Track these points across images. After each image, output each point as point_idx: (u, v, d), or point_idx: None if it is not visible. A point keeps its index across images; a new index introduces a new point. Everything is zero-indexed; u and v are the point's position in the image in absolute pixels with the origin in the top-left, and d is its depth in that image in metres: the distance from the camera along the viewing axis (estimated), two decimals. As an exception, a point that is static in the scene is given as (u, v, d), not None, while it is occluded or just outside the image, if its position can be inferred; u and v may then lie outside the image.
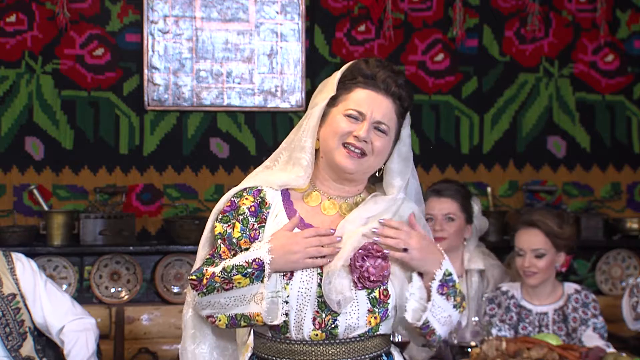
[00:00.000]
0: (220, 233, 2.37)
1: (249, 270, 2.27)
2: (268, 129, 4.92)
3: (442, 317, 2.34)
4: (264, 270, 2.27)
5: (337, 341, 2.31)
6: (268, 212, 2.37)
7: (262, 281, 2.27)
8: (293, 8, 4.89)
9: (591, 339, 3.60)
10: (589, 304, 3.72)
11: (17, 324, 3.43)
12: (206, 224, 2.45)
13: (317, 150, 2.40)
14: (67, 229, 4.61)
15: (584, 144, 5.16)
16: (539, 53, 5.11)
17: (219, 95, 4.86)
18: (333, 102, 2.38)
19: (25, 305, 3.46)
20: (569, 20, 5.13)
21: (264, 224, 2.36)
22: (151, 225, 4.86)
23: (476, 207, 4.01)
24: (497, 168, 5.10)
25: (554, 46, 5.12)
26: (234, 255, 2.33)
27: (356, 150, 2.33)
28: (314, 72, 4.91)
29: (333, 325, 2.29)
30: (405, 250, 2.32)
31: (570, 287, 3.79)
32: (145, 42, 4.78)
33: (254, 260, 2.27)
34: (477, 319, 3.48)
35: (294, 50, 4.90)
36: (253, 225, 2.36)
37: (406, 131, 2.44)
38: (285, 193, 2.40)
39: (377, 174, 2.43)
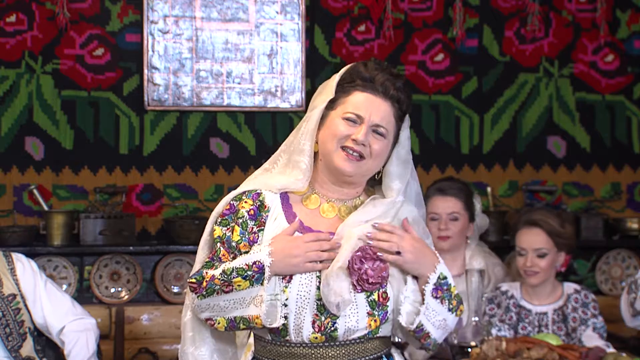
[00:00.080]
0: (219, 236, 2.37)
1: (249, 272, 2.27)
2: (268, 129, 4.92)
3: (436, 320, 2.34)
4: (264, 273, 2.27)
5: (336, 343, 2.32)
6: (267, 216, 2.37)
7: (262, 284, 2.27)
8: (293, 8, 4.89)
9: (591, 338, 3.60)
10: (589, 303, 3.72)
11: (17, 325, 3.43)
12: (206, 225, 2.46)
13: (316, 153, 2.40)
14: (67, 229, 4.61)
15: (584, 144, 5.16)
16: (539, 53, 5.11)
17: (219, 95, 4.86)
18: (332, 105, 2.38)
19: (26, 305, 3.46)
20: (569, 20, 5.13)
21: (263, 227, 2.36)
22: (151, 225, 4.86)
23: (477, 205, 4.01)
24: (497, 168, 5.10)
25: (554, 46, 5.12)
26: (234, 258, 2.33)
27: (354, 154, 2.33)
28: (314, 72, 4.91)
29: (332, 328, 2.29)
30: (398, 253, 2.31)
31: (569, 287, 3.79)
32: (145, 42, 4.78)
33: (254, 262, 2.27)
34: (477, 318, 3.48)
35: (294, 50, 4.90)
36: (252, 228, 2.36)
37: (405, 134, 2.44)
38: (285, 196, 2.41)
39: (376, 177, 2.43)
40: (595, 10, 5.10)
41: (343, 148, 2.34)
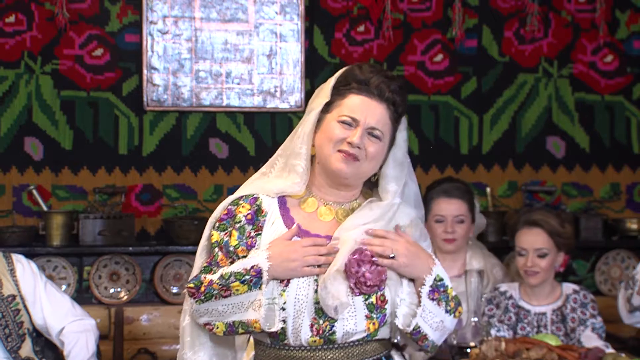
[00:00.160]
0: (217, 241, 2.38)
1: (247, 277, 2.27)
2: (267, 129, 4.92)
3: (434, 322, 2.34)
4: (261, 278, 2.27)
5: (335, 346, 2.32)
6: (264, 220, 2.38)
7: (260, 288, 2.27)
8: (292, 8, 4.89)
9: (590, 339, 3.60)
10: (588, 304, 3.72)
11: (16, 325, 3.43)
12: (205, 225, 2.46)
13: (313, 156, 2.40)
14: (67, 230, 4.61)
15: (583, 145, 5.16)
16: (538, 53, 5.11)
17: (218, 95, 4.86)
18: (328, 108, 2.38)
19: (25, 306, 3.46)
20: (568, 20, 5.13)
21: (260, 232, 2.37)
22: (150, 226, 4.86)
23: (476, 204, 4.02)
24: (497, 168, 5.10)
25: (553, 46, 5.12)
26: (232, 263, 2.33)
27: (350, 156, 2.33)
28: (313, 72, 4.91)
29: (331, 331, 2.29)
30: (392, 257, 2.31)
31: (568, 287, 3.79)
32: (144, 42, 4.78)
33: (252, 267, 2.28)
34: (476, 319, 3.48)
35: (293, 51, 4.90)
36: (250, 233, 2.37)
37: (402, 136, 2.43)
38: (282, 200, 2.41)
39: (372, 179, 2.43)
40: (594, 11, 5.10)
41: (339, 151, 2.34)
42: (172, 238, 4.72)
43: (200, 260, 2.43)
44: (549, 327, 3.70)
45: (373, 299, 2.30)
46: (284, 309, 2.29)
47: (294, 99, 4.89)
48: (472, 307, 3.49)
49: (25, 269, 3.50)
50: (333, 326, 2.29)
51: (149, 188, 4.85)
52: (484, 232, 4.81)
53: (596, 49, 5.14)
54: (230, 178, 4.87)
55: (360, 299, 2.29)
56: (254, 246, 2.35)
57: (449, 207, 3.87)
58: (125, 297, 4.73)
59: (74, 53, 4.77)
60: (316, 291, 2.28)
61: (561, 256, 3.74)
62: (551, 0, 5.09)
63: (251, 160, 4.87)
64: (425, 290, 2.33)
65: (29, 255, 3.83)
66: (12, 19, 4.71)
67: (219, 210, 2.43)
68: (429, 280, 2.34)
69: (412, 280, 2.35)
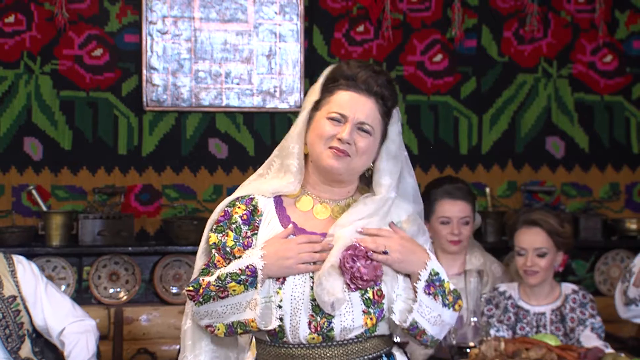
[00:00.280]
0: (214, 243, 2.39)
1: (243, 277, 2.28)
2: (267, 129, 4.92)
3: (431, 317, 2.34)
4: (257, 277, 2.27)
5: (334, 343, 2.32)
6: (260, 220, 2.39)
7: (256, 287, 2.28)
8: (292, 8, 4.89)
9: (589, 339, 3.61)
10: (587, 304, 3.72)
11: (16, 326, 3.43)
12: (204, 226, 2.47)
13: (306, 155, 2.41)
14: (66, 230, 4.61)
15: (582, 145, 5.16)
16: (538, 53, 5.11)
17: (218, 95, 4.86)
18: (317, 106, 2.40)
19: (26, 307, 3.47)
20: (567, 20, 5.13)
21: (256, 232, 2.38)
22: (150, 226, 4.86)
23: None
24: (496, 168, 5.10)
25: (553, 47, 5.12)
26: (229, 264, 2.34)
27: (341, 152, 2.34)
28: (313, 72, 4.90)
29: (328, 328, 2.29)
30: (385, 253, 2.32)
31: (567, 287, 3.79)
32: (143, 42, 4.78)
33: (247, 267, 2.29)
34: (475, 319, 3.48)
35: (292, 51, 4.90)
36: (246, 233, 2.38)
37: (395, 129, 2.43)
38: (278, 199, 2.42)
39: (366, 174, 2.44)
40: (594, 11, 5.10)
41: (330, 148, 2.34)
42: (172, 238, 4.72)
43: (199, 263, 2.45)
44: (548, 327, 3.70)
45: (370, 294, 2.30)
46: (280, 307, 2.29)
47: (294, 99, 4.89)
48: (472, 307, 3.49)
49: (26, 270, 3.51)
50: (331, 322, 2.29)
51: (149, 188, 4.85)
52: (483, 232, 4.83)
53: (595, 49, 5.14)
54: (229, 178, 4.87)
55: (357, 295, 2.29)
56: (251, 246, 2.36)
57: (454, 209, 3.87)
58: (125, 297, 4.73)
59: (73, 53, 4.77)
60: (312, 288, 2.28)
61: (560, 256, 3.74)
62: (550, 0, 5.09)
63: (250, 160, 4.87)
64: (420, 285, 2.33)
65: (29, 256, 3.83)
66: (11, 19, 4.71)
67: (216, 213, 2.44)
68: (424, 275, 2.34)
69: (408, 275, 2.35)
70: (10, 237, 4.57)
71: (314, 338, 2.30)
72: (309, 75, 4.90)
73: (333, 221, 2.38)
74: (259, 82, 4.88)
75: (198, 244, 2.49)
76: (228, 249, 2.36)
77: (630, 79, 5.19)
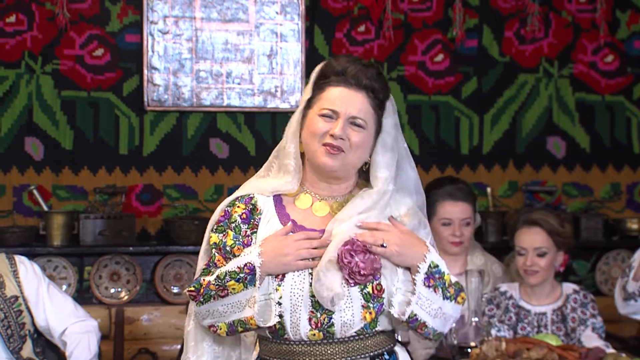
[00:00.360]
0: (215, 243, 2.40)
1: (241, 275, 2.29)
2: (268, 129, 4.92)
3: (431, 309, 2.33)
4: (255, 274, 2.27)
5: (335, 340, 2.32)
6: (260, 218, 2.40)
7: (255, 285, 2.28)
8: (293, 8, 4.89)
9: (590, 339, 3.61)
10: (588, 304, 3.72)
11: (18, 326, 3.43)
12: (205, 226, 2.48)
13: (303, 154, 2.42)
14: (67, 230, 4.61)
15: (583, 145, 5.16)
16: (539, 53, 5.11)
17: (219, 95, 4.86)
18: (310, 104, 2.41)
19: (28, 308, 3.47)
20: (568, 20, 5.13)
21: (256, 230, 2.39)
22: (151, 226, 4.86)
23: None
24: (497, 168, 5.10)
25: (554, 46, 5.12)
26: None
27: (334, 148, 2.34)
28: (314, 72, 4.91)
29: (329, 324, 2.30)
30: (383, 246, 2.31)
31: (568, 287, 3.79)
32: (145, 42, 4.78)
33: (245, 264, 2.29)
34: (476, 319, 3.48)
35: (293, 51, 4.90)
36: (246, 232, 2.39)
37: (389, 122, 2.43)
38: (278, 198, 2.43)
39: (363, 168, 2.44)
40: (595, 11, 5.10)
41: (324, 145, 2.35)
42: (173, 238, 4.72)
43: (201, 263, 2.46)
44: (549, 327, 3.70)
45: (369, 289, 2.30)
46: (280, 304, 2.30)
47: (295, 99, 4.89)
48: (473, 307, 3.49)
49: (28, 270, 3.51)
50: (331, 318, 2.29)
51: (150, 188, 4.85)
52: (484, 232, 4.83)
53: (597, 49, 5.14)
54: (230, 178, 4.87)
55: (356, 290, 2.29)
56: (250, 245, 2.36)
57: (455, 210, 3.87)
58: (126, 297, 4.73)
59: (74, 53, 4.77)
60: (311, 284, 2.29)
61: (561, 256, 3.74)
62: (552, 0, 5.09)
63: (252, 160, 4.87)
64: (419, 277, 2.32)
65: (30, 256, 3.83)
66: (12, 19, 4.71)
67: (216, 213, 2.45)
68: (423, 268, 2.33)
69: (408, 269, 2.35)
70: (12, 237, 4.57)
71: (314, 334, 2.31)
72: (310, 75, 4.89)
73: (332, 218, 2.38)
74: (260, 82, 4.88)
75: (199, 244, 2.50)
76: (228, 248, 2.37)
77: (631, 79, 5.19)
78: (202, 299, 2.33)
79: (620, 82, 5.17)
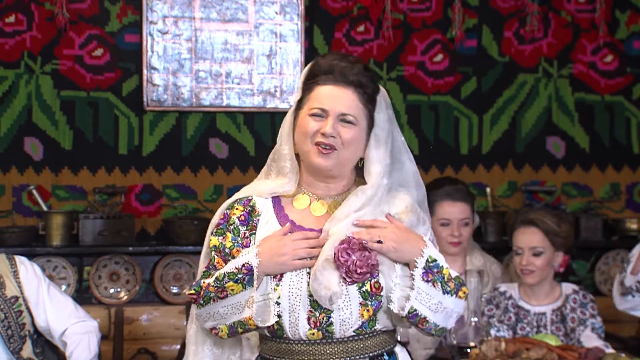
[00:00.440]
0: (215, 245, 2.40)
1: (240, 276, 2.29)
2: (267, 129, 4.92)
3: (431, 304, 2.32)
4: (253, 275, 2.28)
5: (334, 340, 2.32)
6: (258, 220, 2.40)
7: (253, 285, 2.29)
8: (292, 8, 4.89)
9: (589, 339, 3.61)
10: (587, 304, 3.72)
11: (18, 327, 3.43)
12: (204, 226, 2.48)
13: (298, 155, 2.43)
14: (66, 230, 4.62)
15: (583, 145, 5.16)
16: (538, 53, 5.11)
17: (218, 95, 4.86)
18: (300, 105, 2.41)
19: (28, 308, 3.47)
20: (568, 20, 5.13)
21: (254, 231, 2.39)
22: (150, 226, 4.86)
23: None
24: (496, 168, 5.10)
25: (553, 46, 5.12)
26: None
27: (326, 147, 2.34)
28: (313, 72, 4.90)
29: (328, 323, 2.30)
30: (380, 242, 2.31)
31: (568, 287, 3.79)
32: (144, 42, 4.78)
33: (243, 265, 2.30)
34: (476, 319, 3.48)
35: (293, 51, 4.90)
36: (244, 233, 2.39)
37: (382, 116, 2.42)
38: (276, 199, 2.43)
39: (359, 164, 2.43)
40: (594, 11, 5.10)
41: (316, 144, 2.35)
42: (172, 238, 4.72)
43: (202, 267, 2.46)
44: (548, 327, 3.70)
45: (367, 287, 2.29)
46: (278, 304, 2.30)
47: (294, 99, 4.88)
48: (472, 307, 3.49)
49: (28, 271, 3.51)
50: (330, 317, 2.29)
51: (149, 188, 4.85)
52: (483, 232, 4.83)
53: (596, 49, 5.15)
54: (230, 178, 4.87)
55: (354, 288, 2.29)
56: (249, 246, 2.37)
57: (454, 210, 3.88)
58: (125, 297, 4.73)
59: (73, 53, 4.77)
60: (309, 284, 2.29)
61: (560, 256, 3.74)
62: (551, 0, 5.10)
63: (251, 160, 4.87)
64: (417, 272, 2.31)
65: (29, 256, 3.83)
66: (12, 19, 4.71)
67: (216, 216, 2.46)
68: (421, 262, 2.32)
69: (406, 265, 2.35)
70: (11, 237, 4.57)
71: (313, 334, 2.31)
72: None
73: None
74: (259, 82, 4.88)
75: (198, 244, 2.51)
76: (227, 250, 2.37)
77: (630, 79, 5.19)
78: (202, 302, 2.34)
79: (620, 82, 5.18)
